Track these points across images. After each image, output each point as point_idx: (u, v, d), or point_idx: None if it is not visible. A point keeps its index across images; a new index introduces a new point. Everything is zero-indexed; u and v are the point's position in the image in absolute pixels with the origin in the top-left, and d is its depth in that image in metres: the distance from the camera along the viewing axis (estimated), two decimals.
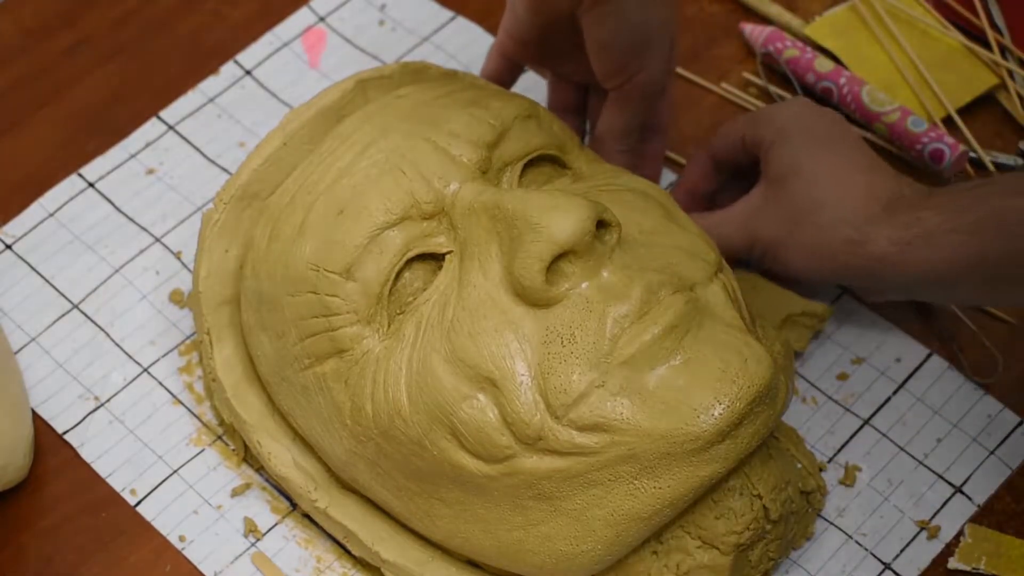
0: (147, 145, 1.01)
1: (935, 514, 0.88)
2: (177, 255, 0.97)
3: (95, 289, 0.95)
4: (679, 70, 1.04)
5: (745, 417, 0.75)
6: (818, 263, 0.86)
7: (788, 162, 0.88)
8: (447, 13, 1.07)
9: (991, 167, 0.99)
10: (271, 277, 0.82)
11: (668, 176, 1.00)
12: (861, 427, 0.91)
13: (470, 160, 0.80)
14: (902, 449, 0.90)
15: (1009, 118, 1.02)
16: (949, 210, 0.82)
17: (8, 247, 0.97)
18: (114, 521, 0.88)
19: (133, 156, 1.00)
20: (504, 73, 0.95)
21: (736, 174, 0.94)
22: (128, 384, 0.92)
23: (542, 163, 0.84)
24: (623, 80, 0.89)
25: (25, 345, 0.93)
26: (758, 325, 0.83)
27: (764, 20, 1.07)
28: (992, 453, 0.90)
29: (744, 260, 0.91)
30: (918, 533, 0.87)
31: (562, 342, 0.75)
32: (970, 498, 0.88)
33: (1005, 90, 1.03)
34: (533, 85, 1.03)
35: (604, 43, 0.87)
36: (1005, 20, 1.05)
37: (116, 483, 0.89)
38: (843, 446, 0.90)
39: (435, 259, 0.80)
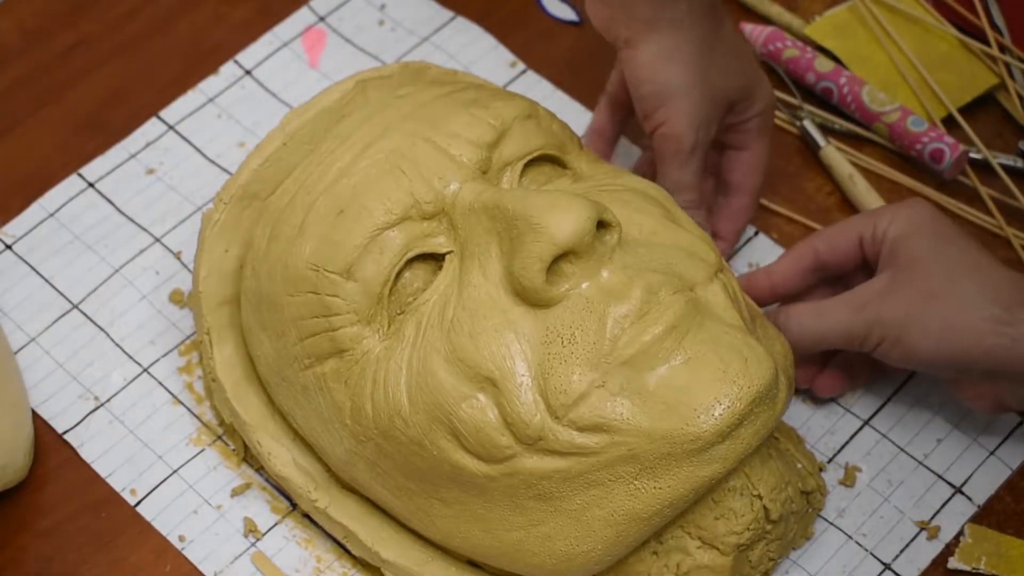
0: (147, 145, 1.01)
1: (935, 514, 0.88)
2: (177, 255, 0.97)
3: (95, 289, 0.95)
4: None
5: (745, 417, 0.75)
6: (952, 345, 0.80)
7: (921, 253, 0.82)
8: (447, 13, 1.07)
9: (997, 167, 0.99)
10: (271, 277, 0.82)
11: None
12: (861, 427, 0.91)
13: (470, 160, 0.80)
14: (902, 450, 0.90)
15: (1009, 118, 1.02)
16: None
17: (8, 247, 0.97)
18: (114, 521, 0.88)
19: (133, 156, 1.00)
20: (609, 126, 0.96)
21: (833, 280, 0.89)
22: (128, 384, 0.92)
23: (542, 163, 0.84)
24: (650, 128, 0.89)
25: (25, 345, 0.93)
26: (758, 325, 0.83)
27: (764, 20, 1.07)
28: (992, 453, 0.90)
29: (855, 351, 0.85)
30: (918, 533, 0.87)
31: (562, 342, 0.75)
32: (970, 498, 0.88)
33: (1005, 90, 1.03)
34: (533, 85, 1.03)
35: (631, 85, 0.89)
36: (1005, 20, 1.05)
37: (116, 483, 0.89)
38: (843, 446, 0.90)
39: (435, 259, 0.80)
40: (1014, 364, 0.80)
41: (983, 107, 1.03)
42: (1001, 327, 0.80)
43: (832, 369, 0.90)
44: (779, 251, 0.96)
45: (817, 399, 0.91)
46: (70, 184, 0.99)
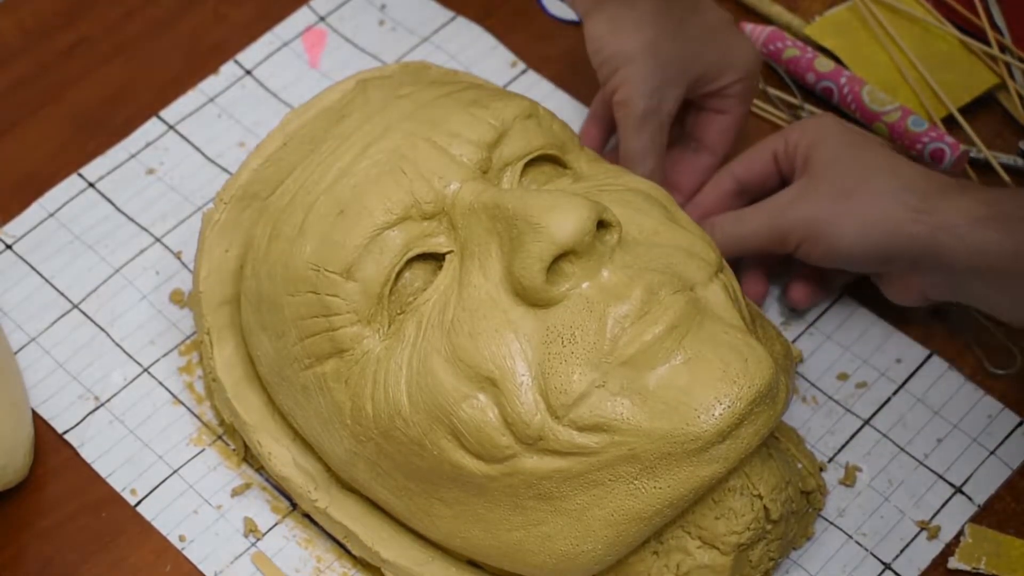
0: (147, 145, 1.01)
1: (935, 514, 0.88)
2: (177, 255, 0.97)
3: (95, 289, 0.95)
4: None
5: (745, 417, 0.75)
6: (873, 237, 0.83)
7: (829, 155, 0.86)
8: (447, 13, 1.07)
9: (997, 167, 0.99)
10: (271, 277, 0.82)
11: None
12: (861, 427, 0.91)
13: (470, 160, 0.80)
14: (902, 449, 0.90)
15: (1009, 118, 1.02)
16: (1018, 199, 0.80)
17: (8, 247, 0.97)
18: (114, 521, 0.88)
19: (133, 156, 1.00)
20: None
21: (758, 198, 0.92)
22: (128, 384, 0.92)
23: (542, 163, 0.84)
24: (606, 97, 0.93)
25: (25, 345, 0.93)
26: (758, 325, 0.83)
27: (764, 20, 1.07)
28: (992, 453, 0.90)
29: (774, 256, 0.89)
30: (918, 533, 0.87)
31: (562, 342, 0.75)
32: (970, 498, 0.88)
33: (1005, 90, 1.03)
34: (533, 85, 1.03)
35: (590, 56, 0.91)
36: (1005, 19, 1.05)
37: (116, 483, 0.89)
38: (843, 446, 0.90)
39: (435, 259, 0.80)
40: (934, 252, 0.82)
41: (983, 107, 1.03)
42: (919, 215, 0.82)
43: (799, 279, 0.92)
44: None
45: (817, 399, 0.91)
46: (70, 184, 0.99)
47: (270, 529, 0.87)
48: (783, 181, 0.91)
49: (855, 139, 0.88)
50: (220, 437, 0.90)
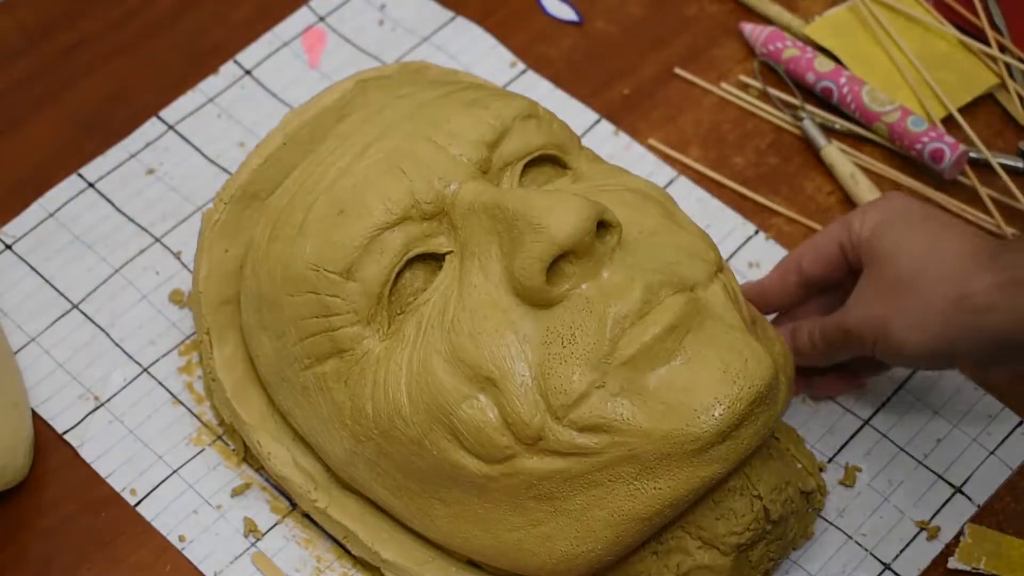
0: (147, 145, 1.01)
1: (935, 514, 0.88)
2: (177, 255, 0.97)
3: (95, 289, 0.95)
4: (678, 70, 1.04)
5: (745, 418, 0.75)
6: (926, 333, 0.80)
7: (888, 245, 0.82)
8: (447, 13, 1.07)
9: (997, 167, 0.99)
10: (271, 277, 0.82)
11: (669, 174, 1.00)
12: (861, 427, 0.91)
13: (470, 160, 0.80)
14: (902, 449, 0.90)
15: (1009, 118, 1.02)
16: None
17: (8, 247, 0.97)
18: (114, 521, 0.88)
19: (133, 156, 1.00)
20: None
21: (825, 290, 0.89)
22: (128, 384, 0.92)
23: (542, 163, 0.84)
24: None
25: (25, 345, 0.93)
26: (758, 325, 0.83)
27: (764, 20, 1.07)
28: (992, 453, 0.90)
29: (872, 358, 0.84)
30: (918, 533, 0.87)
31: (562, 342, 0.75)
32: (970, 498, 0.88)
33: (1005, 90, 1.03)
34: (533, 85, 1.03)
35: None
36: (1005, 20, 1.05)
37: (116, 483, 0.89)
38: (843, 446, 0.90)
39: (435, 259, 0.80)
40: (978, 339, 0.79)
41: (983, 107, 1.03)
42: (960, 304, 0.78)
43: (833, 372, 0.90)
44: (779, 250, 0.97)
45: (818, 398, 0.91)
46: (70, 184, 0.99)
47: (270, 529, 0.87)
48: (852, 271, 0.86)
49: (914, 219, 0.83)
50: (220, 437, 0.90)
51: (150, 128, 1.01)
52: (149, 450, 0.90)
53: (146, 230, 0.98)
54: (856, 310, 0.83)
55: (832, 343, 0.84)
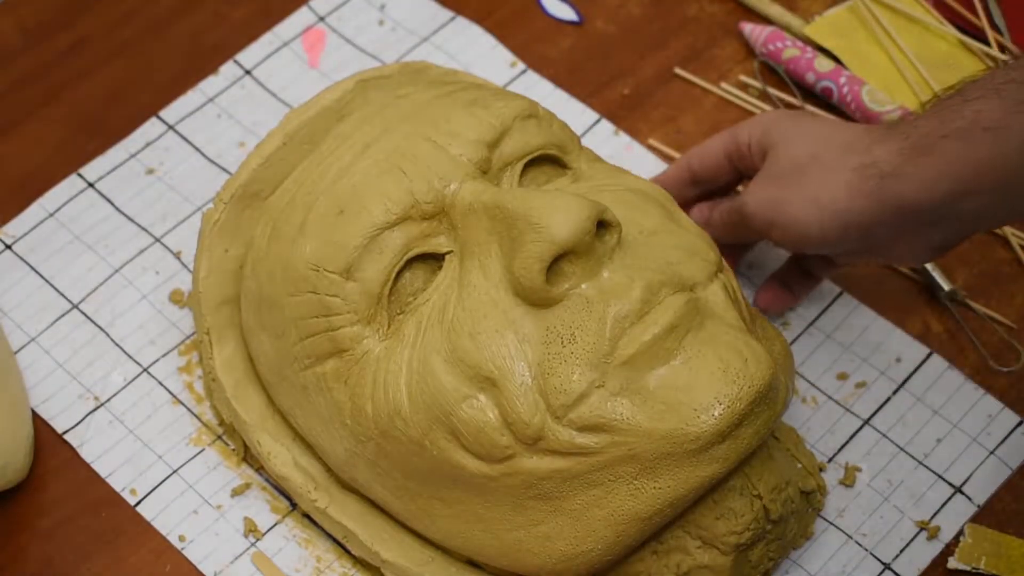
0: (147, 145, 1.01)
1: (935, 514, 0.88)
2: (177, 255, 0.97)
3: (95, 289, 0.95)
4: (678, 70, 1.04)
5: (745, 417, 0.75)
6: (831, 206, 0.82)
7: (782, 135, 0.86)
8: (447, 13, 1.07)
9: None
10: (271, 277, 0.82)
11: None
12: (861, 427, 0.91)
13: (470, 160, 0.80)
14: (902, 449, 0.90)
15: None
16: (935, 119, 0.79)
17: (8, 247, 0.97)
18: (114, 521, 0.88)
19: (133, 156, 1.00)
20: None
21: (712, 193, 0.93)
22: (128, 384, 0.92)
23: (542, 163, 0.84)
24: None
25: (25, 345, 0.93)
26: (758, 325, 0.83)
27: (764, 20, 1.07)
28: (992, 453, 0.90)
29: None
30: (918, 533, 0.87)
31: (562, 342, 0.75)
32: (970, 498, 0.88)
33: None
34: (533, 85, 1.03)
35: None
36: (1005, 20, 1.05)
37: (116, 483, 0.89)
38: (843, 446, 0.90)
39: (435, 259, 0.80)
40: (884, 210, 0.81)
41: None
42: (865, 171, 0.81)
43: (769, 283, 0.93)
44: (778, 251, 0.97)
45: (817, 399, 0.91)
46: (70, 184, 0.99)
47: (270, 529, 0.87)
48: (739, 176, 0.91)
49: (802, 118, 0.87)
50: (220, 437, 0.90)
51: (150, 128, 1.01)
52: (149, 450, 0.90)
53: (146, 230, 0.98)
54: (753, 194, 0.86)
55: (730, 223, 0.89)
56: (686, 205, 0.93)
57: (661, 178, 0.94)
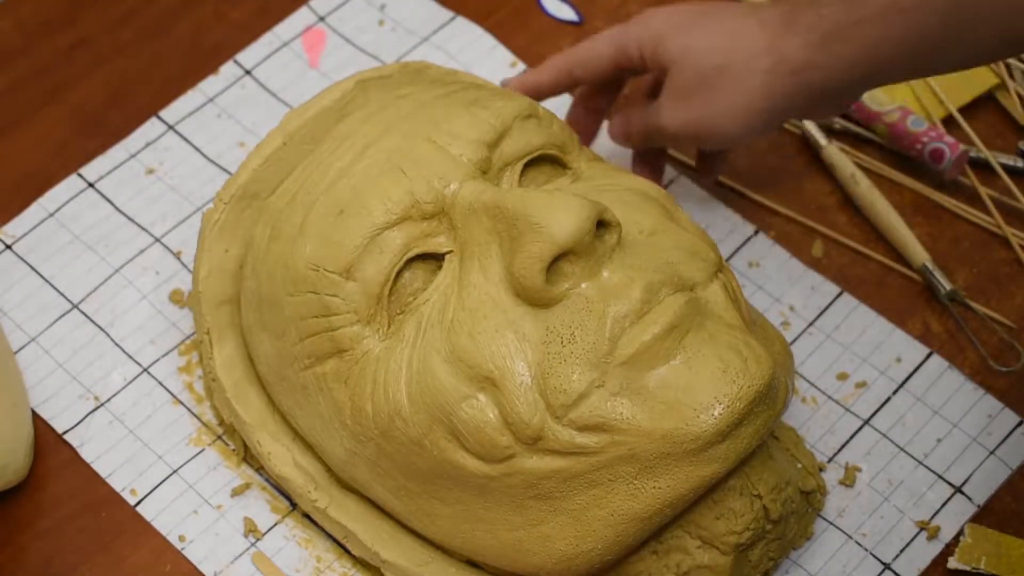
0: (147, 145, 1.01)
1: (935, 514, 0.88)
2: (177, 255, 0.97)
3: (95, 289, 0.95)
4: None
5: (745, 417, 0.75)
6: (749, 110, 0.84)
7: (680, 47, 0.86)
8: (447, 13, 1.07)
9: (997, 167, 0.99)
10: (271, 277, 0.82)
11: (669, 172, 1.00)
12: (861, 427, 0.91)
13: (470, 160, 0.80)
14: (902, 449, 0.90)
15: (1009, 118, 1.02)
16: (842, 7, 0.81)
17: (8, 247, 0.97)
18: (114, 521, 0.88)
19: (133, 156, 1.00)
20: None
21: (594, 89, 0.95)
22: (128, 384, 0.92)
23: (542, 163, 0.84)
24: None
25: (25, 345, 0.93)
26: (758, 325, 0.83)
27: None
28: (992, 453, 0.90)
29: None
30: (918, 533, 0.87)
31: (562, 342, 0.75)
32: (970, 498, 0.88)
33: (1005, 90, 1.03)
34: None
35: None
36: None
37: (116, 483, 0.89)
38: (843, 446, 0.90)
39: (435, 259, 0.80)
40: (803, 99, 0.83)
41: (983, 107, 1.03)
42: (776, 69, 0.83)
43: (639, 164, 0.95)
44: (779, 250, 0.97)
45: (817, 399, 0.91)
46: (70, 184, 0.99)
47: (270, 529, 0.87)
48: (624, 78, 0.92)
49: (691, 26, 0.87)
50: (220, 437, 0.90)
51: (150, 128, 1.01)
52: (149, 450, 0.90)
53: (146, 230, 0.98)
54: (669, 115, 0.87)
55: (650, 138, 0.90)
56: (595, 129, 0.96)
57: (531, 78, 0.93)
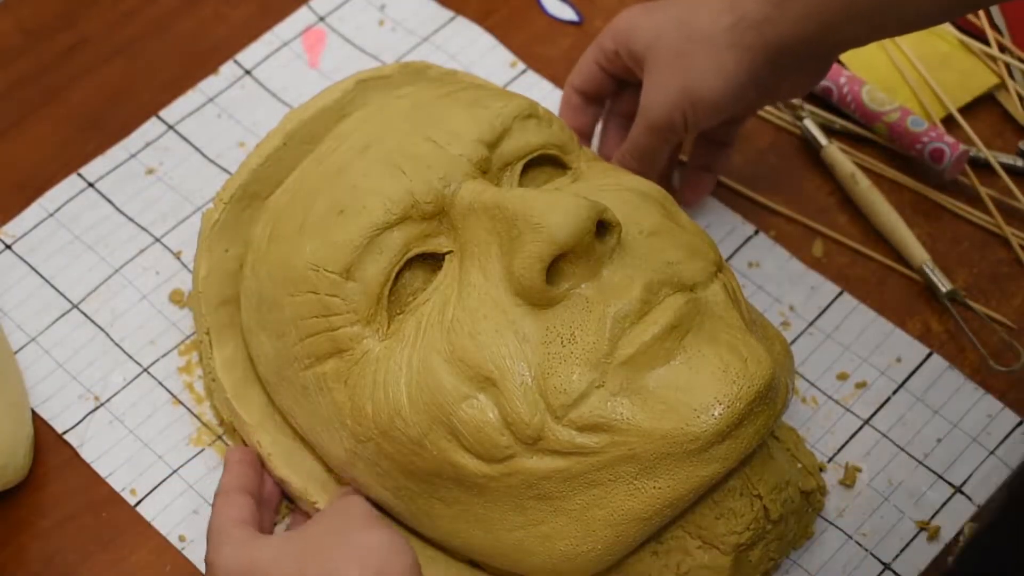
0: (147, 145, 1.01)
1: (935, 514, 0.88)
2: (177, 255, 0.97)
3: (95, 289, 0.95)
4: None
5: (745, 417, 0.75)
6: (723, 73, 0.85)
7: (646, 37, 0.88)
8: (447, 13, 1.07)
9: (997, 167, 0.99)
10: (271, 277, 0.82)
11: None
12: (861, 427, 0.91)
13: (470, 160, 0.80)
14: (902, 449, 0.90)
15: (1009, 118, 1.02)
16: None
17: (8, 247, 0.97)
18: (114, 521, 0.88)
19: (133, 156, 1.00)
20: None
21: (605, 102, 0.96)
22: (128, 384, 0.92)
23: (542, 163, 0.84)
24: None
25: (25, 345, 0.93)
26: (758, 325, 0.83)
27: None
28: (992, 453, 0.90)
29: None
30: (918, 533, 0.87)
31: (562, 342, 0.75)
32: (970, 498, 0.88)
33: (1005, 90, 1.03)
34: (533, 85, 1.03)
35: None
36: (1005, 20, 1.05)
37: (116, 483, 0.89)
38: (843, 446, 0.90)
39: (435, 259, 0.80)
40: (768, 59, 0.84)
41: (983, 107, 1.03)
42: (740, 31, 0.84)
43: (687, 175, 0.96)
44: (779, 250, 0.97)
45: (817, 399, 0.91)
46: (70, 184, 0.99)
47: None
48: (618, 83, 0.93)
49: (655, 19, 0.88)
50: (220, 437, 0.90)
51: (150, 128, 1.01)
52: (149, 450, 0.90)
53: (146, 230, 0.98)
54: (649, 103, 0.88)
55: (646, 147, 0.89)
56: (588, 132, 0.96)
57: (564, 117, 0.95)
